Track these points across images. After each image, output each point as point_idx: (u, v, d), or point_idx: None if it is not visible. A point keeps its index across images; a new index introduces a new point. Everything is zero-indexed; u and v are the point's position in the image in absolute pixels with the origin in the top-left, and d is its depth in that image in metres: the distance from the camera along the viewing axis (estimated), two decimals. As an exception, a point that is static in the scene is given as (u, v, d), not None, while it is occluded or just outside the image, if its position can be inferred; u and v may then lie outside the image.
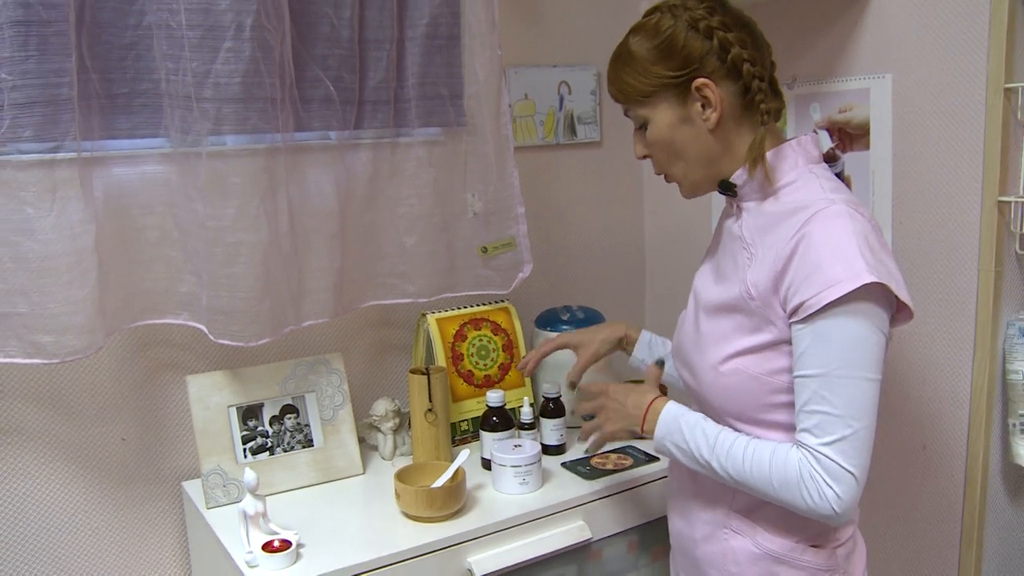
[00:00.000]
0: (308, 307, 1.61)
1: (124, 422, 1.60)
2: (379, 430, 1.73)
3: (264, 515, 1.38)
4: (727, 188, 1.21)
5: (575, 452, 1.71)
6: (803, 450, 1.08)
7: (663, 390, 1.77)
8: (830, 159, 1.71)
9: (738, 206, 1.23)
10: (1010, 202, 1.46)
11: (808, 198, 1.13)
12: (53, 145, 1.34)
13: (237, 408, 1.58)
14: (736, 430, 1.18)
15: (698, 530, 1.28)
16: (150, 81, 1.45)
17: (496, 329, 1.84)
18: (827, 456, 1.05)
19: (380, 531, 1.43)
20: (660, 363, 1.39)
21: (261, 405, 1.61)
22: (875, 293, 1.06)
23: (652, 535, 1.59)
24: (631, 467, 1.62)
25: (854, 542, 1.24)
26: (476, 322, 1.82)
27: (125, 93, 1.44)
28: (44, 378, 1.52)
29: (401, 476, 1.48)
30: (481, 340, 1.82)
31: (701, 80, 1.15)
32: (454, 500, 1.45)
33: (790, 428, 1.12)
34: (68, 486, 1.55)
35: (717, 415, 1.21)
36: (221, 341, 1.50)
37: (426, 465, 1.55)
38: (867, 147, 1.64)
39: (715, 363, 1.19)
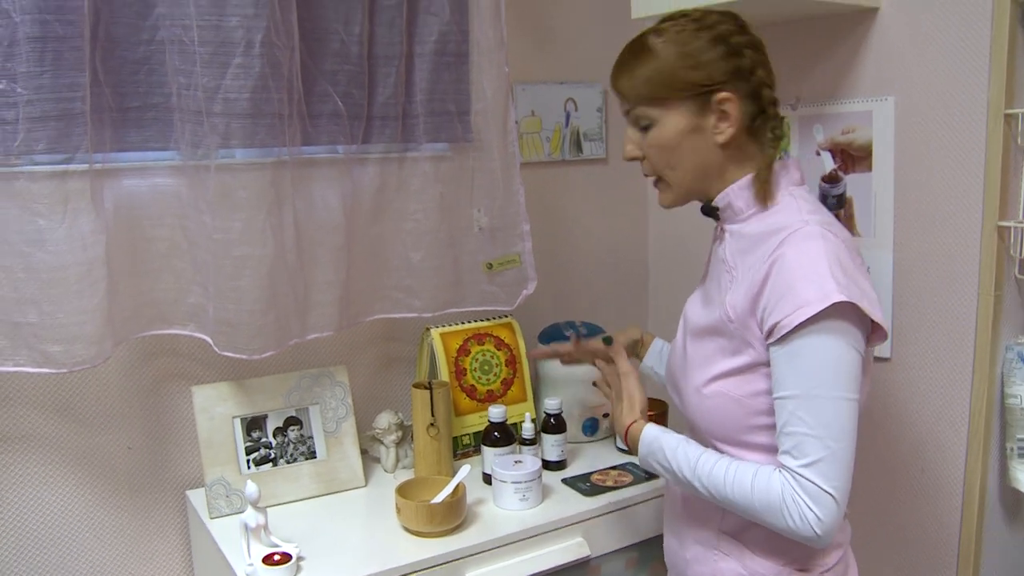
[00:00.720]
0: (313, 320, 1.62)
1: (130, 431, 1.62)
2: (382, 443, 1.74)
3: (265, 527, 1.39)
4: (710, 212, 1.23)
5: (576, 468, 1.73)
6: (784, 472, 1.08)
7: (664, 407, 1.79)
8: (832, 180, 1.72)
9: (722, 229, 1.24)
10: (1010, 227, 1.47)
11: (785, 220, 1.14)
12: (65, 157, 1.35)
13: (241, 419, 1.60)
14: (722, 452, 1.18)
15: (688, 550, 1.29)
16: (161, 95, 1.46)
17: (499, 344, 1.85)
18: (806, 478, 1.05)
19: (380, 545, 1.44)
20: (608, 340, 1.46)
21: (265, 416, 1.62)
22: (847, 312, 1.06)
23: (651, 552, 1.60)
24: (631, 484, 1.63)
25: (844, 565, 1.23)
26: (479, 337, 1.83)
27: (137, 107, 1.46)
28: (53, 387, 1.53)
29: (402, 491, 1.49)
30: (484, 355, 1.83)
31: (725, 95, 1.14)
32: (454, 516, 1.46)
33: (774, 450, 1.12)
34: (74, 493, 1.57)
35: (704, 438, 1.22)
36: (226, 353, 1.51)
37: (427, 480, 1.56)
38: (869, 169, 1.66)
39: (698, 385, 1.20)
